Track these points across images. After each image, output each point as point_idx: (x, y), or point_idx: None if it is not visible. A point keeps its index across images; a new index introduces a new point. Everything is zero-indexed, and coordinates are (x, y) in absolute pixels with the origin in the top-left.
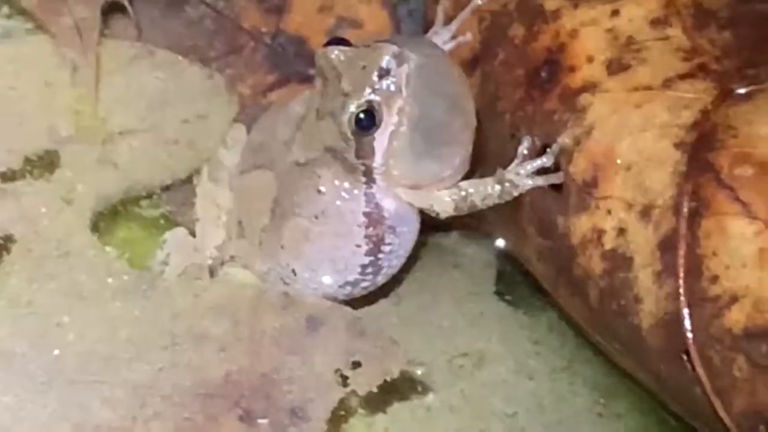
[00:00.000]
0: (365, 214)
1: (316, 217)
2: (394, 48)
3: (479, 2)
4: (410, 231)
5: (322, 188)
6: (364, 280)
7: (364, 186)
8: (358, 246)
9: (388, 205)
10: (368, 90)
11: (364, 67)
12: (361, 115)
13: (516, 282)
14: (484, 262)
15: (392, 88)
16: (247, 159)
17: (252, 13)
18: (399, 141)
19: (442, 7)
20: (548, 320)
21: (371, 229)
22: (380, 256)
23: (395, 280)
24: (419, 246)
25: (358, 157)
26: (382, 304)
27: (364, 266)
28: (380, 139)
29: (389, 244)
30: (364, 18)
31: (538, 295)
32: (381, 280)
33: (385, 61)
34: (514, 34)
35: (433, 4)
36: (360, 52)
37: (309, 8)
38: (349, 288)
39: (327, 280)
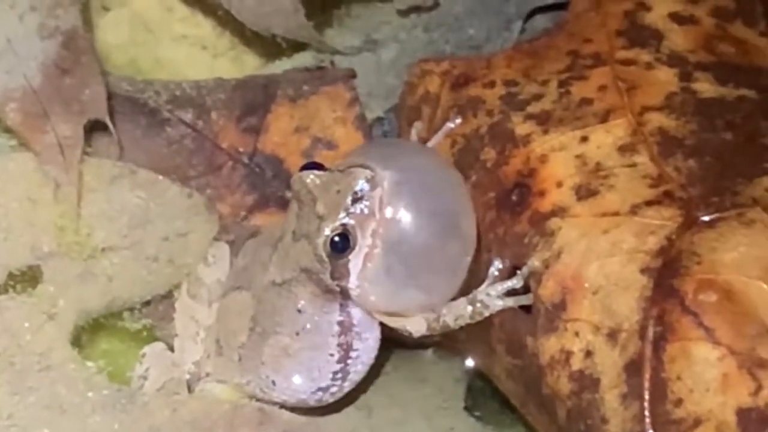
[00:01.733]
0: (339, 323)
1: (297, 334)
2: (367, 173)
3: (452, 126)
4: (373, 338)
5: (301, 307)
6: (333, 386)
7: (340, 297)
8: (332, 354)
9: (356, 312)
10: (342, 214)
11: (338, 191)
12: (336, 238)
13: (485, 397)
14: (454, 378)
15: (365, 211)
16: (229, 281)
17: (230, 132)
18: (373, 263)
19: (416, 129)
20: None
21: (342, 336)
22: (348, 362)
23: (367, 394)
24: (390, 361)
25: (333, 278)
26: (354, 417)
27: (335, 373)
28: (355, 261)
29: (356, 350)
30: (339, 139)
31: (507, 411)
32: (347, 386)
33: (359, 185)
34: (486, 157)
35: (406, 127)
36: (334, 177)
37: (285, 129)
38: (320, 394)
39: (302, 387)
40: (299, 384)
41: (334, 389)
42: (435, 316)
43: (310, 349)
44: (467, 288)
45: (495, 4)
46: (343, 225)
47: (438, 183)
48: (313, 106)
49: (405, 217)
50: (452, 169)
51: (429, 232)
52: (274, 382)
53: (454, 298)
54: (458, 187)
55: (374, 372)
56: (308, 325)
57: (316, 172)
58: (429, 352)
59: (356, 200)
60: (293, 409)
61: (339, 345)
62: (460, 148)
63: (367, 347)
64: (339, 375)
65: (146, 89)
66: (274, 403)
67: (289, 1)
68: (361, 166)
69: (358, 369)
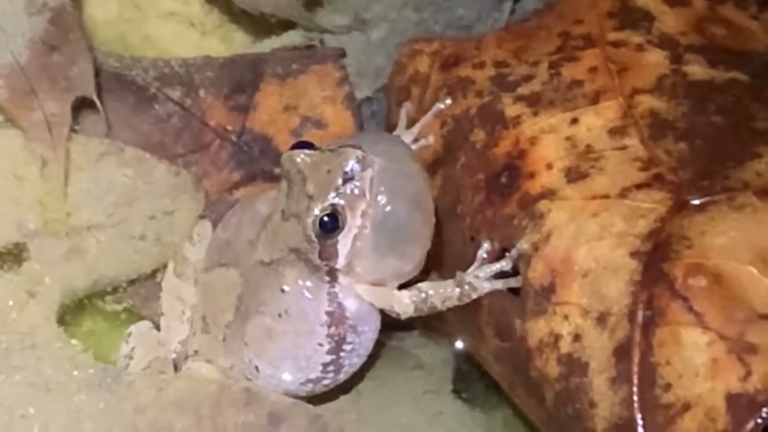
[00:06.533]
0: (327, 314)
1: (279, 316)
2: (359, 153)
3: (441, 106)
4: (371, 330)
5: (286, 287)
6: (325, 378)
7: (327, 285)
8: (320, 345)
9: (350, 305)
10: (332, 194)
11: (328, 171)
12: (325, 218)
13: (473, 380)
14: (443, 361)
15: (356, 192)
16: (211, 256)
17: (218, 110)
18: (362, 242)
19: (405, 110)
20: (504, 418)
21: (333, 328)
22: (342, 354)
23: (355, 377)
24: (379, 344)
25: (321, 258)
26: (342, 400)
27: (325, 364)
28: (343, 242)
29: (350, 343)
30: (328, 118)
31: (495, 394)
32: (342, 377)
33: (350, 165)
34: (476, 138)
35: (395, 107)
36: (325, 156)
37: (274, 107)
38: (310, 385)
39: (288, 377)
40: (285, 374)
41: (326, 381)
42: (422, 297)
43: (294, 334)
44: (455, 270)
45: None
46: (333, 205)
47: (410, 168)
48: (302, 85)
49: (390, 198)
50: (415, 156)
51: (406, 210)
52: (257, 368)
53: (427, 270)
54: (421, 173)
55: None
56: (292, 308)
57: (307, 151)
58: (417, 335)
59: (347, 180)
60: None
61: (329, 336)
62: (449, 129)
63: (363, 340)
64: (331, 367)
65: (134, 66)
66: None
67: None
68: (352, 146)
69: (354, 362)
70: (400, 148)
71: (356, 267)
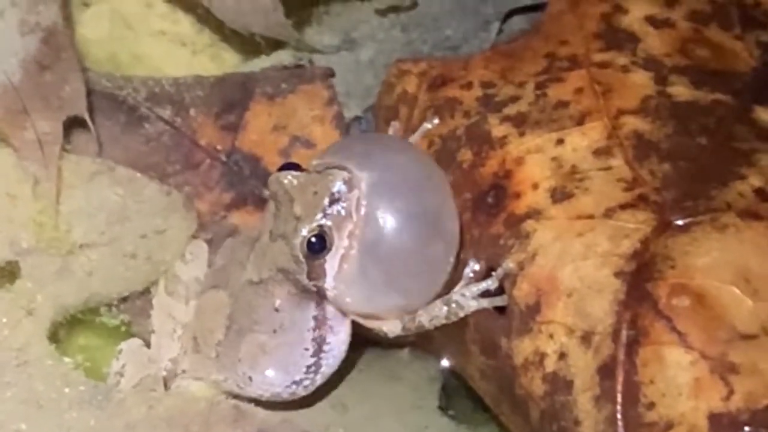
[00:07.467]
0: (314, 318)
1: (275, 332)
2: (344, 174)
3: (429, 126)
4: (344, 331)
5: (279, 306)
6: (306, 379)
7: (316, 296)
8: (306, 349)
9: (330, 305)
10: (319, 215)
11: (315, 192)
12: (313, 239)
13: (459, 396)
14: (429, 378)
15: (342, 213)
16: (207, 280)
17: (208, 130)
18: (349, 265)
19: (393, 129)
20: None
21: (317, 331)
22: (321, 355)
23: (342, 392)
24: (365, 359)
25: (309, 278)
26: (329, 414)
27: (308, 366)
28: (331, 263)
29: (329, 343)
30: (317, 138)
31: (481, 411)
32: (320, 379)
33: (336, 186)
34: (463, 158)
35: (384, 126)
36: (312, 178)
37: (263, 127)
38: (294, 387)
39: (277, 381)
40: (274, 378)
41: (306, 382)
42: (410, 317)
43: (286, 345)
44: (443, 289)
45: (473, 5)
46: (320, 226)
47: (418, 181)
48: (291, 104)
49: (383, 218)
50: (433, 164)
51: (408, 233)
52: (251, 378)
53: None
54: (440, 184)
55: (349, 370)
56: (285, 323)
57: (294, 172)
58: (404, 351)
59: (333, 201)
60: (268, 406)
61: (314, 339)
62: (436, 149)
63: (338, 340)
64: (312, 368)
65: (125, 86)
66: (250, 399)
67: (268, 0)
68: (338, 167)
69: (330, 362)
70: (403, 156)
71: (346, 297)
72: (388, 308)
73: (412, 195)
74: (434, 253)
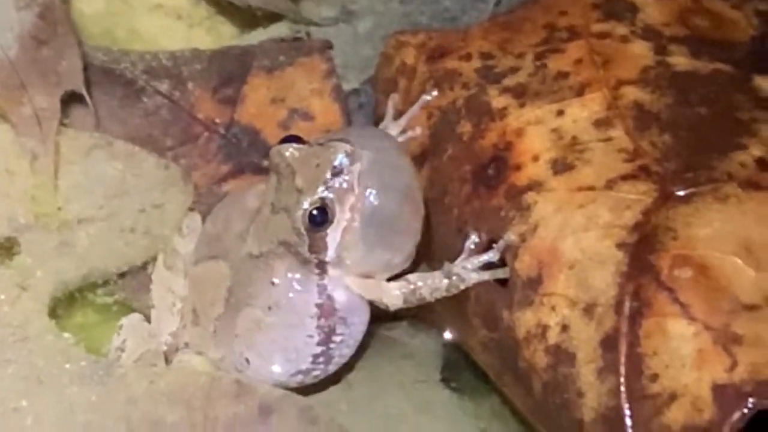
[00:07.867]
0: (317, 306)
1: (269, 308)
2: (347, 147)
3: (428, 98)
4: (361, 322)
5: (276, 280)
6: (315, 369)
7: (317, 278)
8: (310, 336)
9: (340, 296)
10: (321, 187)
11: (317, 165)
12: (314, 212)
13: (462, 370)
14: (432, 351)
15: (345, 185)
16: (201, 249)
17: (206, 103)
18: (351, 235)
19: (392, 101)
20: (492, 406)
21: (323, 320)
22: (331, 346)
23: (345, 368)
24: (368, 335)
25: (311, 251)
26: (332, 391)
27: (315, 356)
28: (333, 235)
29: (340, 334)
30: (315, 110)
31: (483, 382)
32: (332, 368)
33: (339, 159)
34: (462, 130)
35: (383, 99)
36: (314, 150)
37: (262, 100)
38: (300, 377)
39: (278, 368)
40: (275, 365)
41: (317, 372)
42: (411, 289)
43: (284, 326)
44: (444, 261)
45: None
46: (322, 199)
47: (399, 161)
48: (290, 77)
49: (379, 191)
50: (404, 152)
51: (395, 203)
52: (247, 360)
53: (416, 262)
54: (410, 165)
55: None
56: (282, 300)
57: (295, 145)
58: (406, 325)
59: (336, 174)
60: None
61: (319, 327)
62: (436, 121)
63: (353, 331)
64: (321, 358)
65: (122, 60)
66: None
67: None
68: (341, 140)
69: (344, 353)
70: (387, 141)
71: (346, 259)
72: (379, 266)
73: (396, 170)
74: (408, 218)
